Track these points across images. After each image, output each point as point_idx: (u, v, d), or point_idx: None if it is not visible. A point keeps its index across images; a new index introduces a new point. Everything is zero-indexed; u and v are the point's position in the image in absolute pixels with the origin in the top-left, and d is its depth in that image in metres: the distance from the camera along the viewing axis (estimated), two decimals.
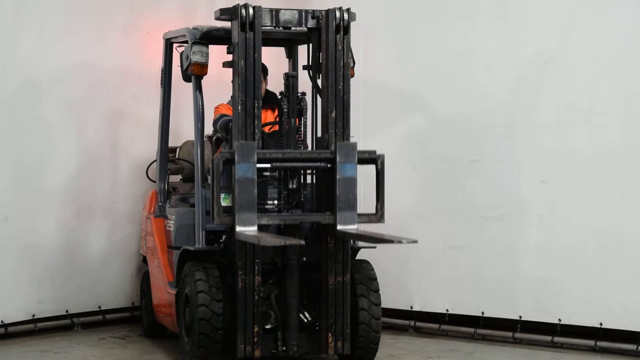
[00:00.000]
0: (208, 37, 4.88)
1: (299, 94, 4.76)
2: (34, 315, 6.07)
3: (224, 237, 4.65)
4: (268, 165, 4.40)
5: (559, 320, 5.17)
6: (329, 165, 4.37)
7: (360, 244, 4.69)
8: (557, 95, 5.49)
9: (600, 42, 5.32)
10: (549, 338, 5.22)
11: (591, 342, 5.13)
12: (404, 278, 5.77)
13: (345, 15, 4.46)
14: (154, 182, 5.82)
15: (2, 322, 5.88)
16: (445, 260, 5.86)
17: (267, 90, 5.25)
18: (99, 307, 6.56)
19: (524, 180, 5.41)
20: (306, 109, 4.73)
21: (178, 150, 5.81)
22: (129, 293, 6.81)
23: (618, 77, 5.26)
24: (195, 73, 4.80)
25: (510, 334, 5.40)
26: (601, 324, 5.12)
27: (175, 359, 5.52)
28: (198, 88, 4.91)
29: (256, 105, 4.41)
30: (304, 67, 4.80)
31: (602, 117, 5.35)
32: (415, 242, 4.02)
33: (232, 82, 4.51)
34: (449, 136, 5.83)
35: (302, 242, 4.05)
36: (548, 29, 5.45)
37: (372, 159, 4.40)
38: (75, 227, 6.59)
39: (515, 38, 5.56)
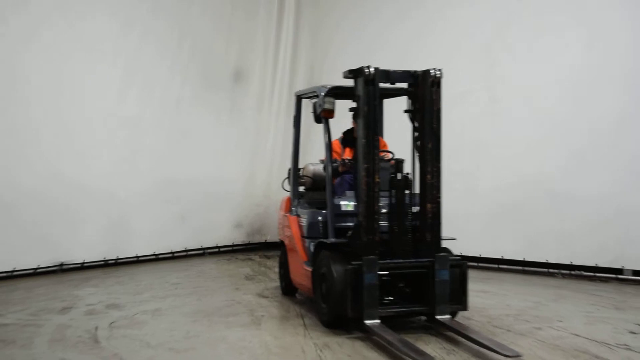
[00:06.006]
0: (331, 92, 5.59)
1: (405, 174, 5.26)
2: (186, 248, 9.17)
3: (349, 232, 5.20)
4: (387, 272, 5.08)
5: None
6: (428, 270, 5.05)
7: (443, 235, 5.20)
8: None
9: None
10: None
11: None
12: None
13: (438, 73, 5.13)
14: (287, 191, 6.60)
15: (171, 251, 8.94)
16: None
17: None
18: (217, 244, 9.55)
19: None
20: (412, 183, 5.26)
21: (302, 170, 6.56)
22: (230, 237, 9.76)
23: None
24: (325, 116, 5.51)
25: None
26: None
27: (251, 269, 8.15)
28: (327, 127, 5.59)
29: (376, 139, 5.03)
30: (405, 111, 5.33)
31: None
32: (520, 355, 4.25)
33: (357, 123, 5.15)
34: None
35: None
36: None
37: (459, 264, 5.17)
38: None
39: None
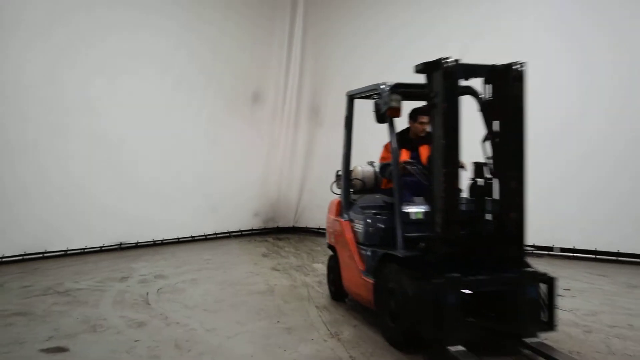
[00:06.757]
0: (395, 90, 4.19)
1: (485, 179, 3.89)
2: (215, 232, 9.05)
3: (422, 243, 3.71)
4: (470, 291, 3.68)
5: None
6: (514, 287, 3.67)
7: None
8: None
9: None
10: None
11: None
12: None
13: (521, 67, 3.72)
14: (336, 194, 5.19)
15: (203, 234, 8.82)
16: None
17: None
18: (239, 229, 9.42)
19: None
20: (491, 191, 3.84)
21: (351, 172, 5.12)
22: (249, 223, 9.49)
23: None
24: (391, 115, 4.12)
25: None
26: None
27: (266, 248, 8.13)
28: (392, 127, 4.19)
29: (456, 140, 3.59)
30: (480, 110, 3.98)
31: None
32: None
33: (434, 121, 3.67)
34: None
35: None
36: None
37: (548, 279, 3.71)
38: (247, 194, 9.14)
39: None
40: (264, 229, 9.84)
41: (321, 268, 6.75)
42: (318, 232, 9.58)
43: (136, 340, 4.13)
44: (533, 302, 3.67)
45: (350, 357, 3.84)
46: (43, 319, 4.67)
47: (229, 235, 9.32)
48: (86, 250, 7.74)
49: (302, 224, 9.99)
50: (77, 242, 7.66)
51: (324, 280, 6.03)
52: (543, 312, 3.70)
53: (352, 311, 4.82)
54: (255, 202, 9.73)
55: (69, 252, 7.59)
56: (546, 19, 7.44)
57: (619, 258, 7.10)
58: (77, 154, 7.54)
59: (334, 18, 9.76)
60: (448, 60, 3.60)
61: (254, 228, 9.68)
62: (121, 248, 8.07)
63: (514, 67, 3.74)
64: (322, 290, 5.69)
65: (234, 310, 4.92)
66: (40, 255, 7.30)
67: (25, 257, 7.16)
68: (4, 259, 7.01)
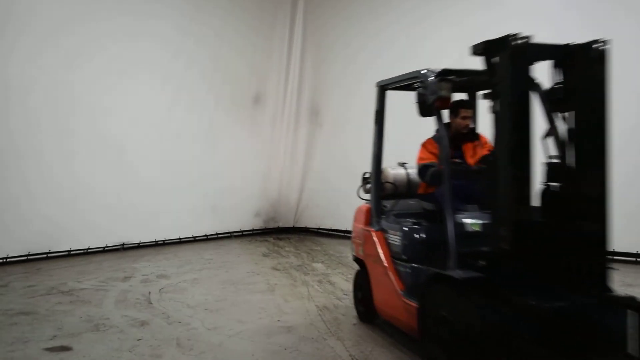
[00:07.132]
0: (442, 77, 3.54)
1: (560, 182, 3.10)
2: (217, 232, 8.98)
3: (481, 262, 3.11)
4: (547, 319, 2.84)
5: None
6: (595, 314, 2.94)
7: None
8: None
9: None
10: None
11: None
12: None
13: (604, 46, 3.02)
14: (364, 199, 4.56)
15: (205, 234, 8.76)
16: None
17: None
18: (240, 229, 9.32)
19: None
20: (567, 197, 3.08)
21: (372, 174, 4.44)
22: (250, 223, 9.41)
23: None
24: (440, 107, 3.52)
25: None
26: None
27: (266, 248, 8.19)
28: (440, 120, 3.58)
29: (528, 136, 2.90)
30: (552, 100, 3.19)
31: None
32: None
33: (497, 114, 2.97)
34: None
35: None
36: None
37: (635, 305, 2.77)
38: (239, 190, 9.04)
39: None
40: (265, 229, 9.76)
41: (321, 267, 6.77)
42: (318, 232, 9.60)
43: (138, 339, 4.16)
44: (620, 332, 2.80)
45: (350, 355, 3.86)
46: (47, 318, 4.69)
47: (230, 236, 9.29)
48: (89, 250, 7.77)
49: (302, 224, 10.00)
50: (81, 242, 7.68)
51: (324, 279, 6.06)
52: (632, 345, 2.78)
53: (352, 310, 4.83)
54: (256, 202, 9.68)
55: (72, 252, 7.61)
56: (547, 19, 7.34)
57: (615, 257, 7.13)
58: (80, 156, 7.58)
59: (333, 21, 9.75)
60: (517, 37, 2.83)
61: (254, 228, 9.63)
62: (124, 248, 8.08)
63: (594, 46, 2.97)
64: (322, 290, 5.71)
65: (235, 309, 4.95)
66: (45, 255, 7.33)
67: (29, 257, 7.19)
68: (8, 259, 7.04)
